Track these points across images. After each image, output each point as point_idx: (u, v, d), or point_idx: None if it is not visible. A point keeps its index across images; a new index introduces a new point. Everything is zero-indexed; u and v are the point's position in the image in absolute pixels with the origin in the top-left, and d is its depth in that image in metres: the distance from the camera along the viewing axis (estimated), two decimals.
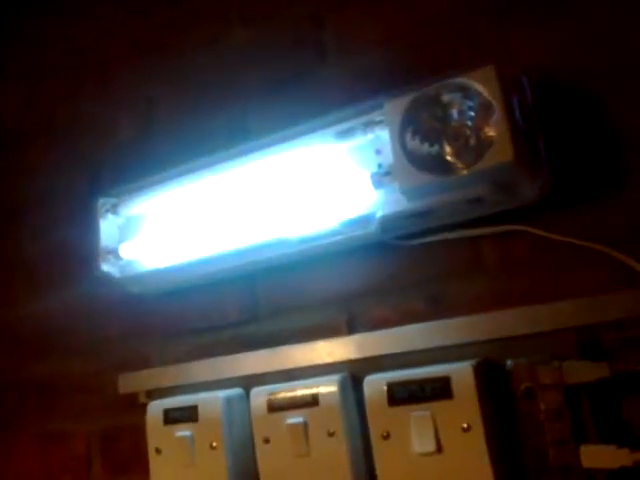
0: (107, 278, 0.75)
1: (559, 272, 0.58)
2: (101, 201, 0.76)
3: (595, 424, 0.53)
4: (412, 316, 0.64)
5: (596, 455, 0.52)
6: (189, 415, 0.67)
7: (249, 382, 0.68)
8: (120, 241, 0.75)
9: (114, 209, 0.75)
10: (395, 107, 0.58)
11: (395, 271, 0.66)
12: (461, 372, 0.55)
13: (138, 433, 0.78)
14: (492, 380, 0.55)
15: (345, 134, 0.62)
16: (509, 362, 0.56)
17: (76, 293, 0.86)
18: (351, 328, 0.68)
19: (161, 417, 0.69)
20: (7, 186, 0.97)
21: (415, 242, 0.64)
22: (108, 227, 0.76)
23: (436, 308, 0.63)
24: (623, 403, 0.53)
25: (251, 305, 0.74)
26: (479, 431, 0.53)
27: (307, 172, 0.66)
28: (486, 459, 0.52)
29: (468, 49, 0.64)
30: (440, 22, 0.67)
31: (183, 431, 0.67)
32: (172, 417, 0.68)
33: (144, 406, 0.75)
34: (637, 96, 0.57)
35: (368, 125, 0.60)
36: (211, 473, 0.65)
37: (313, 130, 0.64)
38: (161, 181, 0.75)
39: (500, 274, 0.61)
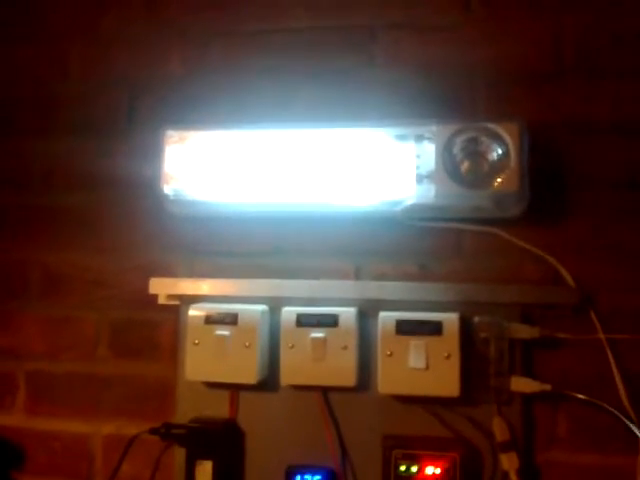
0: (164, 199, 0.88)
1: (514, 265, 0.86)
2: (169, 132, 0.88)
3: (522, 364, 0.82)
4: (406, 276, 0.89)
5: (519, 383, 0.81)
6: (230, 319, 0.84)
7: (273, 302, 0.87)
8: (178, 169, 0.88)
9: (180, 141, 0.88)
10: (443, 131, 0.81)
11: (398, 241, 0.89)
12: (450, 319, 0.80)
13: (151, 328, 0.94)
14: (464, 328, 0.82)
15: (401, 138, 0.82)
16: (476, 318, 0.83)
17: (109, 198, 0.96)
18: (357, 275, 0.90)
19: (202, 317, 0.85)
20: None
21: (419, 224, 0.88)
22: (170, 155, 0.88)
23: (425, 274, 0.88)
24: (542, 354, 0.83)
25: (276, 242, 0.92)
26: (456, 359, 0.79)
27: (354, 152, 0.85)
28: (457, 377, 0.79)
29: (496, 98, 0.88)
30: (479, 60, 0.89)
31: (222, 331, 0.84)
32: (213, 319, 0.85)
33: (164, 307, 0.91)
34: (584, 151, 0.85)
35: (419, 137, 0.82)
36: (243, 365, 0.83)
37: (372, 126, 0.84)
38: (219, 124, 0.89)
39: (474, 258, 0.87)
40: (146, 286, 0.90)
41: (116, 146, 0.97)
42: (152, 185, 0.88)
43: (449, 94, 0.89)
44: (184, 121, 0.91)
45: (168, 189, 0.88)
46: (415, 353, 0.80)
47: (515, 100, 0.88)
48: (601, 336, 0.81)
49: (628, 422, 0.78)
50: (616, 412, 0.79)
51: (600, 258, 0.84)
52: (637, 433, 0.78)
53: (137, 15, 1.00)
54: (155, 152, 0.88)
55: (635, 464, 0.78)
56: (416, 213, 0.84)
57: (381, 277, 0.89)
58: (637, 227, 0.83)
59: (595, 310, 0.82)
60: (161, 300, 0.91)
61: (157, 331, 0.93)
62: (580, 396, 0.80)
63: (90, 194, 0.97)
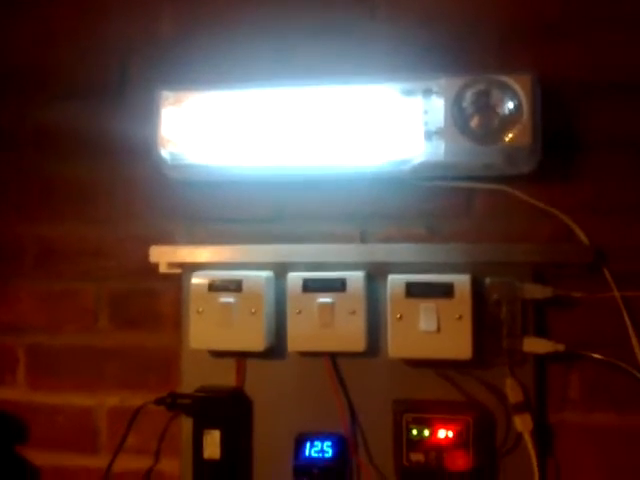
0: (162, 164, 0.84)
1: (526, 224, 0.83)
2: (164, 93, 0.84)
3: (535, 325, 0.80)
4: (413, 238, 0.86)
5: (532, 344, 0.79)
6: (234, 286, 0.81)
7: (277, 269, 0.84)
8: (175, 132, 0.84)
9: (176, 103, 0.84)
10: (452, 84, 0.77)
11: (404, 202, 0.86)
12: (462, 281, 0.78)
13: (153, 297, 0.91)
14: (475, 290, 0.79)
15: (407, 93, 0.79)
16: (487, 279, 0.80)
17: (104, 165, 0.92)
18: (363, 239, 0.87)
19: (206, 285, 0.82)
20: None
21: (427, 183, 0.84)
22: (167, 118, 0.84)
23: (433, 235, 0.85)
24: (556, 313, 0.81)
25: (278, 207, 0.89)
26: (468, 320, 0.77)
27: (358, 109, 0.81)
28: (469, 339, 0.77)
29: (510, 47, 0.83)
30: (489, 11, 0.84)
31: (227, 298, 0.81)
32: (217, 286, 0.82)
33: (165, 276, 0.88)
34: (598, 107, 0.82)
35: (427, 92, 0.78)
36: (249, 332, 0.81)
37: (377, 82, 0.80)
38: (217, 84, 0.85)
39: (484, 218, 0.84)
40: (146, 255, 0.87)
41: (109, 111, 0.93)
42: (148, 150, 0.84)
43: (456, 47, 0.85)
44: (178, 82, 0.87)
45: (165, 153, 0.84)
46: (426, 316, 0.77)
47: (527, 53, 0.84)
48: (616, 294, 0.79)
49: None
50: (633, 370, 0.77)
51: (614, 216, 0.81)
52: None
53: None
54: (150, 115, 0.84)
55: None
56: (424, 172, 0.81)
57: (387, 240, 0.86)
58: None
59: (609, 268, 0.79)
60: (162, 269, 0.88)
61: (159, 300, 0.90)
62: (595, 355, 0.78)
63: (84, 162, 0.93)
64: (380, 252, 0.83)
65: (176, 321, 0.88)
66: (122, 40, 0.94)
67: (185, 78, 0.90)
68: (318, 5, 0.90)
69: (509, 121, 0.76)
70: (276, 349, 0.83)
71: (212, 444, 0.81)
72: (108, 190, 0.92)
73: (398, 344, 0.78)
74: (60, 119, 0.93)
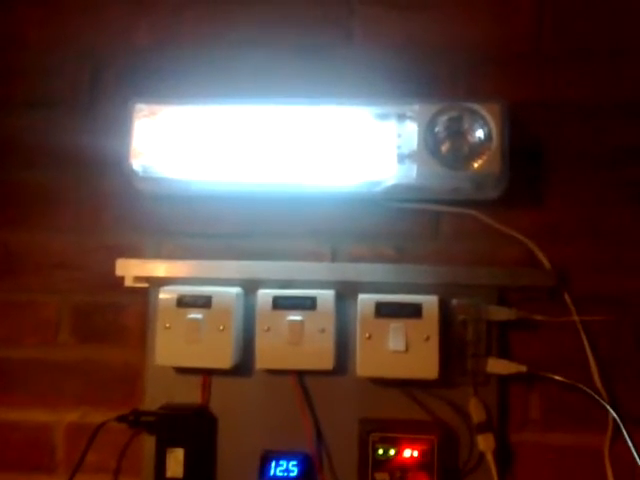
0: (133, 176, 0.83)
1: (492, 247, 0.85)
2: (138, 105, 0.82)
3: (498, 346, 0.81)
4: (383, 258, 0.86)
5: (496, 365, 0.80)
6: (203, 302, 0.80)
7: (247, 285, 0.84)
8: (147, 145, 0.83)
9: (150, 115, 0.83)
10: (426, 110, 0.78)
11: (375, 222, 0.87)
12: (430, 301, 0.79)
13: (117, 311, 0.89)
14: (442, 310, 0.81)
15: (382, 117, 0.80)
16: (454, 301, 0.82)
17: (73, 175, 0.90)
18: (334, 257, 0.87)
19: (174, 300, 0.81)
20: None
21: (397, 205, 0.86)
22: (139, 131, 0.83)
23: (402, 256, 0.86)
24: (518, 335, 0.83)
25: (250, 223, 0.88)
26: (435, 341, 0.78)
27: (333, 130, 0.82)
28: (436, 359, 0.77)
29: (477, 77, 0.86)
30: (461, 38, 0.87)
31: (195, 314, 0.80)
32: (186, 302, 0.80)
33: (131, 290, 0.87)
34: (562, 133, 0.85)
35: (401, 117, 0.79)
36: (217, 349, 0.79)
37: (353, 104, 0.81)
38: (192, 98, 0.84)
39: (451, 240, 0.86)
40: (112, 268, 0.85)
41: (79, 120, 0.91)
42: (119, 161, 0.83)
43: (429, 72, 0.87)
44: (152, 95, 0.86)
45: (137, 165, 0.82)
46: (395, 335, 0.78)
47: (495, 80, 0.87)
48: (575, 318, 0.81)
49: (602, 401, 0.79)
50: (590, 391, 0.79)
51: (576, 240, 0.84)
52: (610, 412, 0.78)
53: None
54: (121, 127, 0.82)
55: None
56: (395, 194, 0.82)
57: (357, 259, 0.87)
58: (613, 210, 0.83)
59: (570, 292, 0.82)
60: (128, 282, 0.86)
61: (123, 315, 0.88)
62: (555, 377, 0.80)
63: (52, 171, 0.90)
64: (350, 271, 0.83)
65: (141, 336, 0.86)
66: (96, 48, 0.92)
67: (160, 90, 0.90)
68: (298, 25, 0.90)
69: (479, 148, 0.78)
70: (243, 366, 0.82)
71: (175, 463, 0.79)
72: (75, 200, 0.90)
73: (366, 363, 0.78)
74: (28, 127, 0.91)
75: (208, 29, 0.91)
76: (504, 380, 0.81)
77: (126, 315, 0.88)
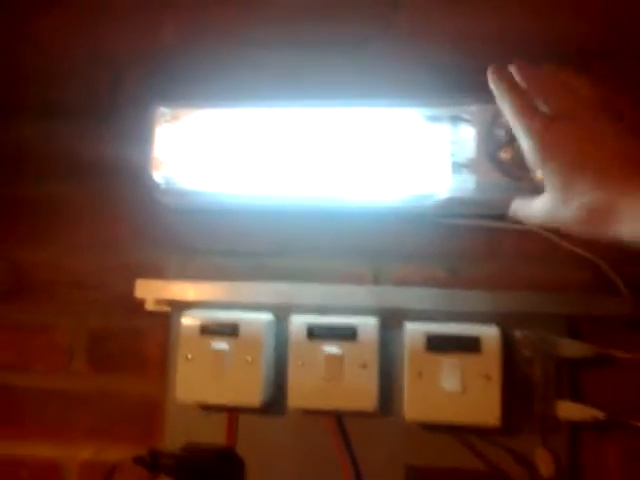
0: (154, 188, 0.74)
1: (561, 270, 0.73)
2: (160, 110, 0.74)
3: (570, 387, 0.69)
4: (432, 281, 0.76)
5: (568, 409, 0.68)
6: (229, 330, 0.71)
7: (279, 310, 0.74)
8: (171, 154, 0.75)
9: (172, 120, 0.74)
10: (484, 111, 0.67)
11: (424, 241, 0.76)
12: (490, 334, 0.68)
13: (137, 338, 0.80)
14: (504, 344, 0.69)
15: (433, 120, 0.70)
16: (517, 333, 0.70)
17: (89, 187, 0.82)
18: (376, 280, 0.77)
19: (197, 327, 0.71)
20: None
21: (450, 221, 0.75)
22: (161, 137, 0.74)
23: (455, 279, 0.75)
24: (593, 374, 0.71)
25: (282, 240, 0.79)
26: (496, 380, 0.66)
27: (376, 136, 0.72)
28: (498, 402, 0.66)
29: None
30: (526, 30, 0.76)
31: (221, 344, 0.71)
32: (210, 330, 0.71)
33: (152, 313, 0.78)
34: None
35: (455, 119, 0.69)
36: (244, 384, 0.70)
37: (399, 105, 0.71)
38: (219, 101, 0.76)
39: (513, 262, 0.75)
40: (131, 289, 0.76)
41: (98, 128, 0.83)
42: (140, 172, 0.74)
43: (485, 70, 0.76)
44: (177, 98, 0.77)
45: (158, 176, 0.74)
46: (449, 373, 0.67)
47: None
48: None
49: None
50: None
51: None
52: None
53: None
54: (144, 134, 0.74)
55: None
56: (449, 208, 0.71)
57: (403, 282, 0.76)
58: None
59: None
60: (149, 306, 0.77)
61: (143, 342, 0.79)
62: (637, 424, 0.68)
63: (67, 183, 0.82)
64: (396, 296, 0.73)
65: (162, 366, 0.77)
66: (116, 50, 0.84)
67: (185, 94, 0.81)
68: (332, 19, 0.81)
69: None
70: (274, 404, 0.72)
71: None
72: (92, 214, 0.81)
73: (415, 405, 0.67)
74: (42, 135, 0.83)
75: (237, 27, 0.82)
76: (577, 427, 0.69)
77: (146, 342, 0.79)
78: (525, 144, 0.52)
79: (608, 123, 0.50)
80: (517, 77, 0.55)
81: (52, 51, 0.86)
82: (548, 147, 0.50)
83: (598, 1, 0.77)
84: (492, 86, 0.57)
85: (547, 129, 0.51)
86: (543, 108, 0.53)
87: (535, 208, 0.54)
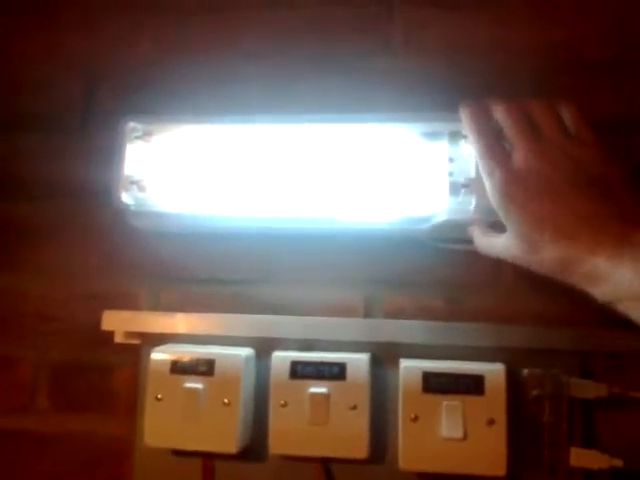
0: (124, 209, 0.67)
1: (571, 301, 0.66)
2: (131, 125, 0.68)
3: (583, 431, 0.62)
4: (428, 312, 0.69)
5: (582, 457, 0.61)
6: (204, 367, 0.63)
7: (260, 345, 0.67)
8: (142, 172, 0.68)
9: (145, 137, 0.68)
10: None
11: (419, 267, 0.70)
12: (494, 372, 0.60)
13: (104, 373, 0.73)
14: (510, 383, 0.62)
15: (430, 136, 0.63)
16: (525, 371, 0.63)
17: (55, 209, 0.75)
18: (368, 311, 0.70)
19: (168, 364, 0.64)
20: None
21: (448, 246, 0.68)
22: (133, 155, 0.68)
23: (454, 310, 0.69)
24: (609, 417, 0.63)
25: (266, 267, 0.72)
26: (502, 425, 0.59)
27: (368, 154, 0.65)
28: (503, 449, 0.59)
29: (543, 90, 0.69)
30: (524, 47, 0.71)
31: (194, 383, 0.63)
32: (182, 367, 0.64)
33: (122, 347, 0.70)
34: None
35: (454, 135, 0.63)
36: (220, 428, 0.62)
37: (393, 121, 0.65)
38: (196, 116, 0.69)
39: (519, 292, 0.68)
40: (99, 320, 0.69)
41: (67, 144, 0.77)
42: (109, 193, 0.68)
43: (488, 84, 0.70)
44: (151, 113, 0.71)
45: (128, 197, 0.67)
46: (449, 418, 0.59)
47: (566, 91, 0.69)
48: None
49: None
50: None
51: None
52: None
53: None
54: (114, 151, 0.68)
55: None
56: (447, 232, 0.65)
57: (398, 314, 0.69)
58: None
59: None
60: (117, 338, 0.69)
61: (111, 378, 0.72)
62: None
63: (31, 203, 0.75)
64: (389, 329, 0.66)
65: (131, 406, 0.69)
66: (91, 61, 0.79)
67: (162, 109, 0.75)
68: (323, 33, 0.75)
69: None
70: (254, 450, 0.65)
71: None
72: (57, 238, 0.74)
73: (411, 453, 0.60)
74: (5, 150, 0.77)
75: (220, 39, 0.77)
76: (591, 476, 0.62)
77: (115, 378, 0.72)
78: (488, 187, 0.52)
79: (574, 180, 0.49)
80: (494, 113, 0.55)
81: (20, 60, 0.80)
82: (509, 199, 0.50)
83: (598, 10, 0.71)
84: (463, 122, 0.56)
85: (509, 181, 0.51)
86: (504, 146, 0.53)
87: (498, 246, 0.54)
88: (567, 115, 0.54)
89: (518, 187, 0.50)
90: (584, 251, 0.47)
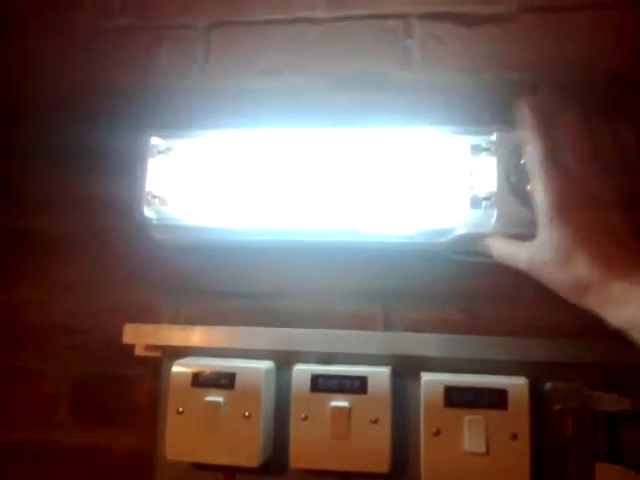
0: (146, 223, 0.68)
1: (592, 315, 0.66)
2: (153, 140, 0.68)
3: (609, 446, 0.61)
4: (447, 325, 0.68)
5: (607, 472, 0.60)
6: (225, 381, 0.63)
7: (281, 358, 0.67)
8: (164, 187, 0.69)
9: (166, 152, 0.68)
10: (507, 140, 0.61)
11: (439, 280, 0.69)
12: (517, 386, 0.60)
13: (125, 387, 0.73)
14: (533, 398, 0.61)
15: (451, 149, 0.63)
16: (548, 385, 0.62)
17: (76, 222, 0.76)
18: (387, 324, 0.70)
19: (189, 377, 0.64)
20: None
21: (469, 259, 0.68)
22: (155, 170, 0.69)
23: (474, 323, 0.68)
24: (634, 432, 0.62)
25: (287, 280, 0.72)
26: (525, 440, 0.58)
27: (385, 165, 0.66)
28: (527, 465, 0.58)
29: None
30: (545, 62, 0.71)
31: (215, 396, 0.63)
32: (203, 380, 0.64)
33: (143, 360, 0.71)
34: None
35: (475, 148, 0.63)
36: (241, 441, 0.62)
37: (413, 134, 0.65)
38: (213, 129, 0.70)
39: (539, 304, 0.67)
40: (120, 333, 0.70)
41: (90, 159, 0.78)
42: (131, 207, 0.68)
43: (507, 97, 0.70)
44: (172, 127, 0.72)
45: (151, 211, 0.68)
46: (471, 432, 0.59)
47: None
48: None
49: None
50: None
51: None
52: None
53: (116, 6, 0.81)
54: (136, 165, 0.68)
55: None
56: (468, 245, 0.64)
57: (417, 327, 0.69)
58: None
59: None
60: (138, 352, 0.70)
61: (133, 391, 0.72)
62: None
63: (54, 218, 0.76)
64: (410, 343, 0.66)
65: (152, 419, 0.69)
66: (110, 78, 0.80)
67: (181, 124, 0.75)
68: (342, 50, 0.75)
69: None
70: (274, 464, 0.64)
71: None
72: (79, 251, 0.75)
73: (433, 467, 0.59)
74: (31, 167, 0.78)
75: (240, 54, 0.78)
76: None
77: (136, 391, 0.72)
78: (540, 190, 0.51)
79: (622, 206, 0.49)
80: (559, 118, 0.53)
81: (44, 81, 0.81)
82: (560, 210, 0.49)
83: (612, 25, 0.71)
84: (523, 117, 0.53)
85: (566, 192, 0.50)
86: (565, 156, 0.51)
87: (521, 256, 0.53)
88: (626, 135, 0.53)
89: (571, 200, 0.49)
90: (616, 275, 0.46)
